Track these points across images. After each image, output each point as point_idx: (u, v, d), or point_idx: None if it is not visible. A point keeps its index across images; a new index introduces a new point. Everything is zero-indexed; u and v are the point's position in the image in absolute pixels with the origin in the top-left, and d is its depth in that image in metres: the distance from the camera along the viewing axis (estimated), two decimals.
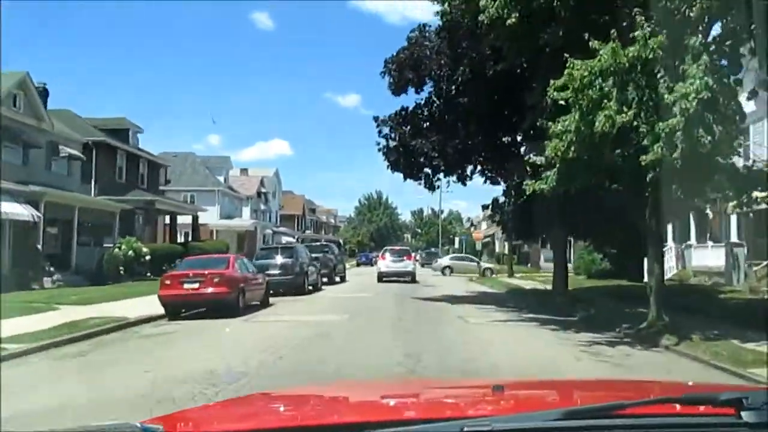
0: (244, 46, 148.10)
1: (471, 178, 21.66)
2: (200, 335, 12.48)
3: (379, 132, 20.16)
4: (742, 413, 1.40)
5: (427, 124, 19.63)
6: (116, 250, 27.55)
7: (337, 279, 32.81)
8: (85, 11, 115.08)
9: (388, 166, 20.38)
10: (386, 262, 34.49)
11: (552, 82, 11.04)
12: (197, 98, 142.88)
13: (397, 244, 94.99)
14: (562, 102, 11.39)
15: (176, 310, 15.13)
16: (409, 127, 19.60)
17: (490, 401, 2.09)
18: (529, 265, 53.95)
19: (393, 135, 19.91)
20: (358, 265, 68.12)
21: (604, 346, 11.30)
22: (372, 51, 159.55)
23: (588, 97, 10.46)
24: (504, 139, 20.70)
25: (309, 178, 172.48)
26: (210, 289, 15.04)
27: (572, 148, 10.80)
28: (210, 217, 52.16)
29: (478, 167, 21.57)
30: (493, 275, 41.00)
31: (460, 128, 18.78)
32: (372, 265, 63.36)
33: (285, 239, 62.23)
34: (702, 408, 1.55)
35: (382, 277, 33.38)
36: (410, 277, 33.63)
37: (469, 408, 2.07)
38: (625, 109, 10.29)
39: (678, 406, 1.62)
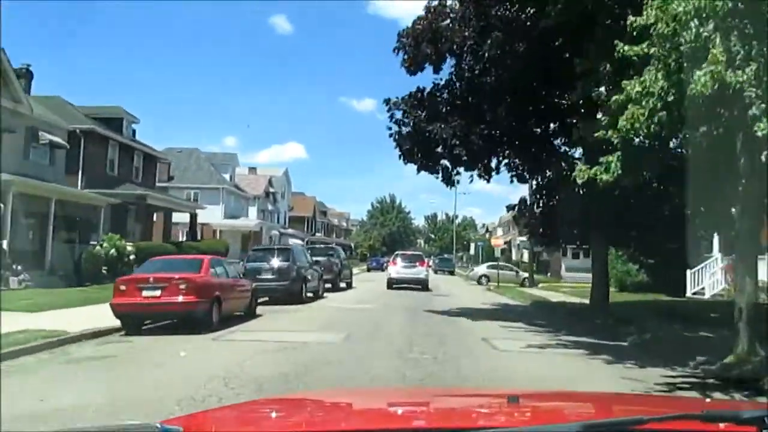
0: (262, 48, 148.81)
1: (497, 172, 18.50)
2: (143, 361, 9.41)
3: (391, 116, 17.12)
4: (765, 431, 1.36)
5: (447, 107, 16.52)
6: (97, 247, 24.68)
7: (343, 285, 29.78)
8: (105, 14, 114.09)
9: (400, 156, 17.27)
10: (397, 268, 31.97)
11: (632, 21, 7.87)
12: (213, 100, 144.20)
13: (410, 249, 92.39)
14: (635, 58, 8.33)
15: (136, 322, 12.16)
16: (425, 111, 16.48)
17: (507, 412, 2.01)
18: (548, 274, 50.63)
19: (407, 119, 16.81)
20: (368, 270, 65.08)
21: (691, 392, 8.19)
22: (389, 56, 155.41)
23: (684, 43, 7.33)
24: (537, 129, 17.56)
25: (323, 182, 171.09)
26: (175, 298, 12.00)
27: (655, 118, 7.68)
28: (213, 216, 49.43)
29: (505, 160, 18.39)
30: (531, 286, 37.61)
31: (486, 111, 15.66)
32: (383, 271, 60.53)
33: (292, 241, 59.29)
34: (723, 425, 1.47)
35: (392, 284, 30.87)
36: (422, 285, 31.12)
37: (485, 419, 2.03)
38: (739, 63, 7.16)
39: (699, 423, 1.50)
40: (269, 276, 19.73)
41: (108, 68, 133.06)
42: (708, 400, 2.95)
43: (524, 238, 66.64)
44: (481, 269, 45.38)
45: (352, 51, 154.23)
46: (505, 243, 76.10)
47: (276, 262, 20.21)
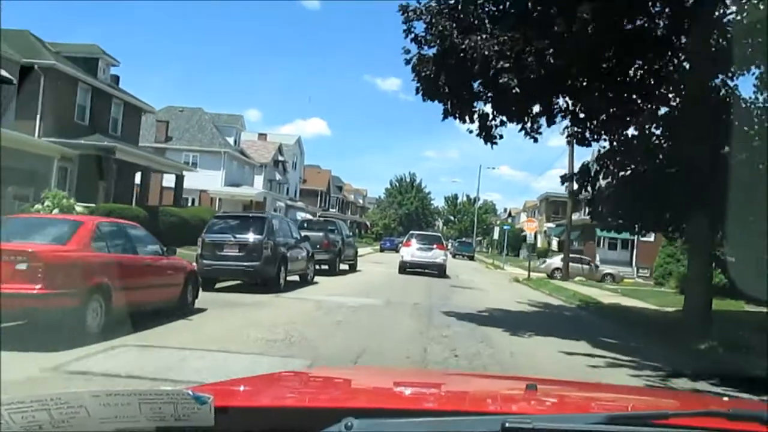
0: (290, 24, 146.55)
1: (554, 121, 12.92)
2: None
3: (408, 31, 11.50)
4: None
5: (494, 11, 10.93)
6: (37, 206, 19.56)
7: (345, 267, 24.48)
8: None
9: (418, 90, 11.72)
10: (412, 250, 27.08)
11: None
12: (239, 71, 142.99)
13: (428, 230, 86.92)
14: None
15: None
16: (459, 22, 10.89)
17: (527, 399, 1.96)
18: (582, 267, 44.81)
19: (430, 34, 11.20)
20: (381, 250, 59.70)
21: None
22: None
23: None
24: (627, 62, 11.94)
25: (344, 159, 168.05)
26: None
27: None
28: (213, 182, 44.37)
29: (569, 105, 12.77)
30: (615, 282, 32.19)
31: (556, 18, 10.01)
32: (397, 251, 55.36)
33: (300, 215, 54.04)
34: (748, 425, 1.43)
35: (404, 268, 26.38)
36: (439, 271, 26.35)
37: (507, 404, 2.02)
38: None
39: (724, 421, 1.45)
40: (234, 253, 14.44)
41: (133, 36, 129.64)
42: (725, 398, 2.68)
43: (552, 225, 60.91)
44: (555, 261, 37.74)
45: (379, 29, 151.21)
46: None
47: (244, 235, 14.84)
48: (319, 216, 38.31)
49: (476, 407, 1.87)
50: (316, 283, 18.10)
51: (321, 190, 75.43)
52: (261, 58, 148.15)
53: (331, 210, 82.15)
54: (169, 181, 34.71)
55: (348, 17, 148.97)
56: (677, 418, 1.45)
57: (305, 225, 24.65)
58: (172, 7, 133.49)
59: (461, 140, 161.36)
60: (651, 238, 45.17)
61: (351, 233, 27.76)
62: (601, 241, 44.56)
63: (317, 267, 20.64)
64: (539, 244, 62.90)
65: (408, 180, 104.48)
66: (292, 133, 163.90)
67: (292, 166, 61.52)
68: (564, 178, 16.77)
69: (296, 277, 17.31)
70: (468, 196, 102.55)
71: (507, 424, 1.28)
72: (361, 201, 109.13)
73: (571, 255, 35.34)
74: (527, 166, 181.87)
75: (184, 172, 30.51)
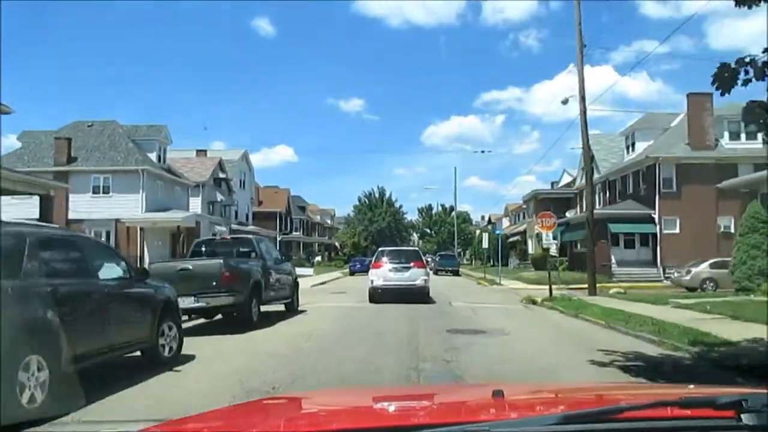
0: (247, 52, 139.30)
1: None
2: None
3: None
4: (742, 416, 1.36)
5: None
6: None
7: (279, 308, 15.40)
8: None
9: None
10: (383, 272, 20.52)
11: None
12: (200, 106, 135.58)
13: (403, 245, 78.25)
14: None
15: None
16: None
17: (490, 406, 1.97)
18: (549, 270, 36.08)
19: None
20: (351, 273, 50.48)
21: None
22: (374, 55, 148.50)
23: None
24: None
25: (315, 184, 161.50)
26: None
27: None
28: (131, 208, 34.85)
29: None
30: (593, 294, 23.40)
31: None
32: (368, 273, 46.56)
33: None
34: (701, 411, 1.46)
35: (376, 296, 20.13)
36: (420, 295, 20.06)
37: (467, 414, 2.00)
38: None
39: (677, 410, 1.50)
40: None
41: (85, 77, 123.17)
42: (691, 386, 2.38)
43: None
44: (703, 269, 27.55)
45: (337, 51, 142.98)
46: (514, 235, 61.81)
47: None
48: (223, 237, 29.28)
49: (438, 419, 1.80)
50: (180, 372, 8.76)
51: (279, 211, 66.05)
52: (218, 90, 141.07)
53: (294, 233, 72.82)
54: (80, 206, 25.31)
55: (305, 41, 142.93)
56: (631, 412, 1.45)
57: (201, 248, 15.39)
58: (117, 41, 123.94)
59: (429, 155, 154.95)
60: (676, 229, 37.12)
61: (283, 255, 18.34)
62: (618, 238, 35.95)
63: (208, 318, 11.56)
64: (531, 250, 54.29)
65: (377, 195, 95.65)
66: (260, 163, 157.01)
67: (240, 185, 52.17)
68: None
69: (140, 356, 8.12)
70: (443, 206, 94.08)
71: None
72: (329, 221, 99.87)
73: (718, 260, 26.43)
74: (496, 175, 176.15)
75: (51, 191, 20.95)
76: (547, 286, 31.09)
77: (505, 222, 77.28)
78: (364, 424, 1.79)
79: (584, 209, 47.76)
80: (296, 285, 17.02)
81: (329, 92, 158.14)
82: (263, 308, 14.06)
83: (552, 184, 61.05)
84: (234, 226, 44.00)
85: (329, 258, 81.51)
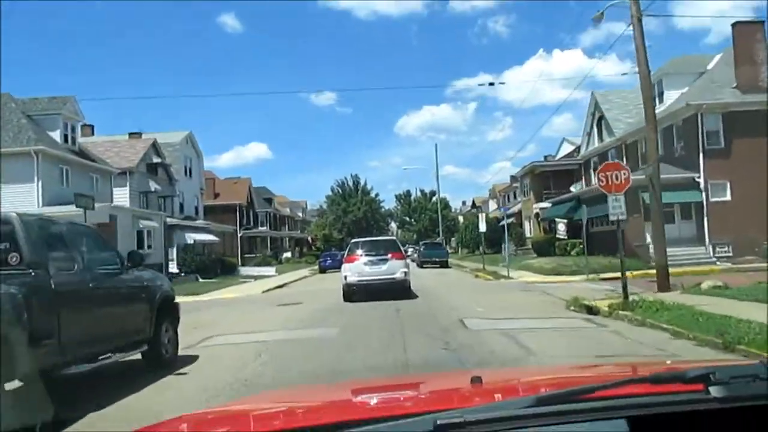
0: (214, 50, 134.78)
1: None
2: None
3: None
4: (710, 388, 1.35)
5: None
6: None
7: (137, 357, 7.03)
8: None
9: None
10: (358, 266, 17.74)
11: None
12: (168, 104, 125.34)
13: (381, 236, 70.44)
14: None
15: None
16: None
17: (467, 393, 1.93)
18: (620, 256, 28.06)
19: None
20: (322, 271, 42.17)
21: None
22: (343, 47, 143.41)
23: None
24: None
25: (290, 179, 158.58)
26: None
27: None
28: (24, 200, 26.13)
29: None
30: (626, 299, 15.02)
31: None
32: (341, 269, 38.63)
33: (194, 237, 36.07)
34: (670, 386, 1.46)
35: (351, 293, 17.30)
36: (400, 289, 17.32)
37: (444, 401, 1.92)
38: None
39: (647, 386, 1.49)
40: None
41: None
42: (668, 361, 2.77)
43: (546, 204, 44.54)
44: None
45: (306, 45, 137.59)
46: (509, 217, 53.90)
47: None
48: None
49: (414, 409, 1.80)
50: None
51: (239, 204, 57.31)
52: (188, 89, 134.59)
53: (260, 228, 64.18)
54: None
55: (272, 35, 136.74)
56: (602, 390, 1.45)
57: None
58: (87, 44, 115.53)
59: (403, 146, 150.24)
60: (726, 195, 29.48)
61: (134, 258, 9.23)
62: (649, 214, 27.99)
63: None
64: (529, 233, 46.39)
65: (351, 184, 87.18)
66: (233, 161, 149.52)
67: (185, 173, 43.38)
68: None
69: None
70: (423, 191, 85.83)
71: (438, 422, 1.27)
72: (300, 214, 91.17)
73: None
74: (471, 163, 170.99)
75: None
76: (573, 278, 23.11)
77: (492, 204, 69.42)
78: (336, 417, 1.67)
79: (594, 182, 40.01)
80: (168, 309, 8.53)
81: (300, 86, 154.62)
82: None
83: (545, 158, 53.06)
84: (172, 221, 35.25)
85: (301, 254, 73.00)
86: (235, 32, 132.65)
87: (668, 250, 26.35)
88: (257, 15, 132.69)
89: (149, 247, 30.09)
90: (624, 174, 12.51)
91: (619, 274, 23.24)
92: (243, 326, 12.59)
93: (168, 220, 34.16)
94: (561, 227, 35.07)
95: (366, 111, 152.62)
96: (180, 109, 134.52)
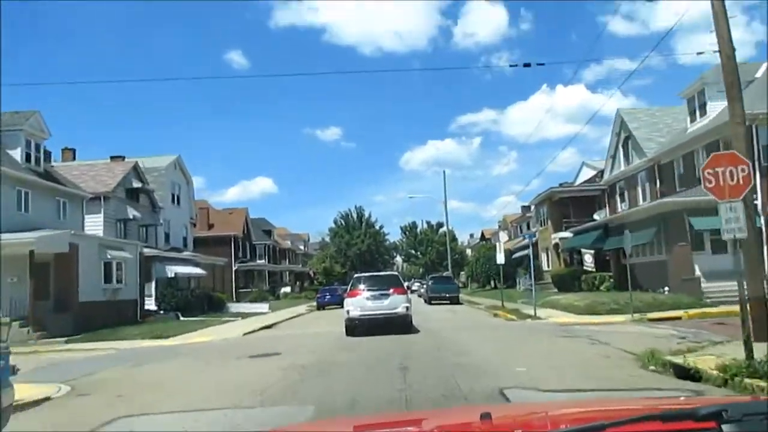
0: (221, 86, 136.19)
1: None
2: None
3: None
4: (723, 426, 1.34)
5: None
6: None
7: None
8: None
9: None
10: (360, 301, 17.70)
11: None
12: (175, 139, 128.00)
13: (386, 270, 66.93)
14: None
15: None
16: None
17: (478, 430, 1.90)
18: (667, 290, 23.75)
19: None
20: (320, 308, 38.03)
21: None
22: (348, 83, 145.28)
23: None
24: None
25: (295, 213, 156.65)
26: None
27: None
28: None
29: None
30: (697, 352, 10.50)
31: None
32: (341, 306, 34.70)
33: (177, 270, 32.10)
34: (683, 424, 1.43)
35: (354, 327, 17.44)
36: (402, 324, 17.21)
37: None
38: None
39: (659, 424, 1.48)
40: None
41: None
42: (682, 398, 2.86)
43: (567, 234, 40.38)
44: None
45: (311, 81, 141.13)
46: (517, 250, 49.80)
47: None
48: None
49: None
50: None
51: (234, 235, 53.45)
52: (194, 125, 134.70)
53: (258, 261, 60.22)
54: None
55: (278, 71, 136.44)
56: (614, 428, 1.43)
57: None
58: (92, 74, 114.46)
59: (408, 181, 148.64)
60: None
61: None
62: (701, 239, 23.84)
63: None
64: (546, 265, 42.20)
65: (355, 216, 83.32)
66: (239, 196, 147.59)
67: (172, 201, 39.61)
68: None
69: None
70: (429, 223, 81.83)
71: None
72: (302, 247, 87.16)
73: None
74: (475, 197, 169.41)
75: None
76: (615, 318, 18.96)
77: (502, 236, 65.30)
78: None
79: (620, 208, 35.96)
80: None
81: (306, 122, 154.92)
82: None
83: (560, 185, 49.15)
84: (150, 252, 31.28)
85: (301, 288, 68.80)
86: (242, 69, 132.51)
87: (719, 284, 22.27)
88: (263, 51, 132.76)
89: (119, 281, 26.07)
90: (743, 170, 8.41)
91: (672, 314, 19.28)
92: (180, 398, 8.58)
93: (146, 250, 30.22)
94: (588, 258, 30.96)
95: (371, 146, 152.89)
96: (184, 142, 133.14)
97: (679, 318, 18.52)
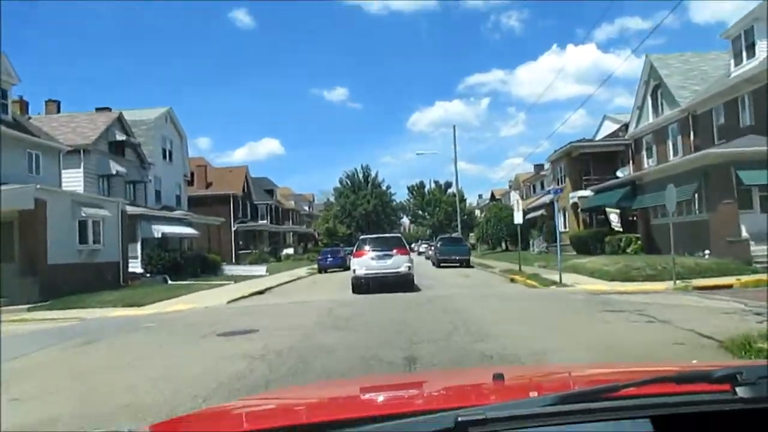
0: (227, 45, 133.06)
1: None
2: None
3: None
4: (737, 389, 1.30)
5: None
6: None
7: None
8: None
9: None
10: (365, 260, 19.07)
11: None
12: (179, 100, 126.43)
13: (393, 232, 64.84)
14: None
15: None
16: None
17: (489, 390, 1.89)
18: (705, 253, 20.83)
19: None
20: (320, 271, 35.64)
21: None
22: (355, 42, 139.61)
23: None
24: None
25: (302, 175, 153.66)
26: None
27: None
28: None
29: None
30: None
31: None
32: (344, 269, 32.60)
33: (164, 230, 29.62)
34: (696, 386, 1.40)
35: (360, 285, 18.80)
36: (404, 283, 18.72)
37: (466, 398, 1.90)
38: None
39: (672, 386, 1.42)
40: None
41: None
42: (694, 361, 2.63)
43: (587, 193, 37.29)
44: None
45: (317, 40, 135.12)
46: (535, 210, 47.00)
47: None
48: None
49: (435, 405, 1.80)
50: None
51: (233, 194, 50.83)
52: (200, 85, 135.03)
53: (260, 221, 57.76)
54: None
55: (284, 30, 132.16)
56: (627, 389, 1.40)
57: None
58: (101, 40, 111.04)
59: (416, 142, 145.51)
60: None
61: None
62: (749, 196, 20.93)
63: None
64: (563, 226, 39.39)
65: (361, 176, 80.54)
66: (246, 156, 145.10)
67: (163, 157, 36.90)
68: None
69: None
70: (437, 183, 78.95)
71: (460, 418, 1.24)
72: (306, 208, 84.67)
73: None
74: (483, 159, 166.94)
75: None
76: (654, 286, 16.34)
77: (513, 196, 62.41)
78: (356, 413, 1.66)
79: (646, 164, 32.84)
80: None
81: (312, 82, 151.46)
82: None
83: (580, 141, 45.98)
84: (135, 210, 28.66)
85: (305, 249, 66.49)
86: (247, 28, 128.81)
87: (765, 248, 19.51)
88: (268, 10, 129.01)
89: (96, 242, 23.54)
90: None
91: (721, 281, 16.55)
92: (95, 401, 6.02)
93: (130, 208, 27.60)
94: (614, 218, 28.14)
95: (378, 107, 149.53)
96: (188, 104, 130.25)
97: (730, 286, 15.82)
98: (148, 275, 27.54)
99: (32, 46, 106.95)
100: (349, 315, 12.34)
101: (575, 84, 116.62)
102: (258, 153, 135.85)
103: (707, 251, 20.72)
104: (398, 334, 9.33)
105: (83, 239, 22.89)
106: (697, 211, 22.25)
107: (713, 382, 1.33)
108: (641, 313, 10.95)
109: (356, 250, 20.02)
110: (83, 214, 22.75)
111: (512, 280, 22.15)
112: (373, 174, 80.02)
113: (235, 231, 50.04)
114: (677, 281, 16.58)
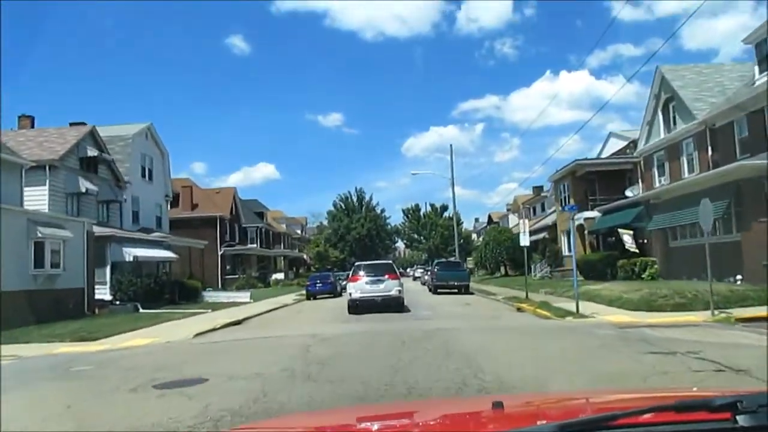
0: (223, 71, 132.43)
1: None
2: None
3: None
4: (738, 417, 1.29)
5: None
6: None
7: None
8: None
9: None
10: (360, 285, 20.61)
11: None
12: (177, 126, 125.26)
13: (388, 257, 63.35)
14: None
15: None
16: None
17: (488, 419, 1.85)
18: (738, 280, 18.43)
19: None
20: (308, 297, 33.13)
21: None
22: (350, 69, 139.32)
23: None
24: None
25: (298, 200, 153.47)
26: None
27: None
28: None
29: None
30: None
31: None
32: (334, 295, 29.95)
33: (136, 254, 27.15)
34: (696, 415, 1.38)
35: (355, 306, 20.36)
36: (395, 306, 20.18)
37: (464, 427, 1.89)
38: None
39: (672, 414, 1.42)
40: None
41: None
42: (694, 389, 2.55)
43: (595, 213, 34.79)
44: None
45: (313, 66, 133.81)
46: (538, 232, 44.67)
47: None
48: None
49: None
50: None
51: (221, 216, 48.41)
52: (196, 110, 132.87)
53: (249, 245, 55.22)
54: None
55: (280, 56, 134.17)
56: (626, 418, 1.38)
57: None
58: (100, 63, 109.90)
59: (411, 167, 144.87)
60: None
61: None
62: None
63: None
64: (566, 250, 37.11)
65: (355, 199, 78.26)
66: (241, 181, 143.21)
67: (142, 175, 34.53)
68: None
69: None
70: (432, 206, 76.71)
71: None
72: (299, 232, 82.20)
73: None
74: (477, 183, 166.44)
75: None
76: (689, 317, 13.93)
77: (513, 219, 60.12)
78: None
79: (658, 183, 30.62)
80: None
81: (308, 107, 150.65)
82: None
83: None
84: (103, 231, 26.16)
85: (296, 274, 63.85)
86: (243, 54, 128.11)
87: None
88: (264, 36, 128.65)
89: (55, 265, 21.05)
90: None
91: (764, 312, 14.18)
92: None
93: (98, 229, 25.15)
94: (628, 239, 25.81)
95: (373, 132, 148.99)
96: (184, 129, 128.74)
97: None
98: (117, 303, 25.00)
99: (46, 63, 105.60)
100: (327, 356, 9.89)
101: (568, 110, 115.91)
102: (253, 177, 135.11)
103: (739, 276, 18.37)
104: (387, 389, 6.90)
105: (39, 263, 20.40)
106: (725, 232, 19.95)
107: (713, 411, 1.31)
108: (698, 356, 8.56)
109: (351, 275, 21.55)
110: (39, 235, 20.29)
111: (519, 309, 19.71)
112: (367, 197, 77.92)
113: (221, 255, 47.56)
114: (715, 311, 14.21)
